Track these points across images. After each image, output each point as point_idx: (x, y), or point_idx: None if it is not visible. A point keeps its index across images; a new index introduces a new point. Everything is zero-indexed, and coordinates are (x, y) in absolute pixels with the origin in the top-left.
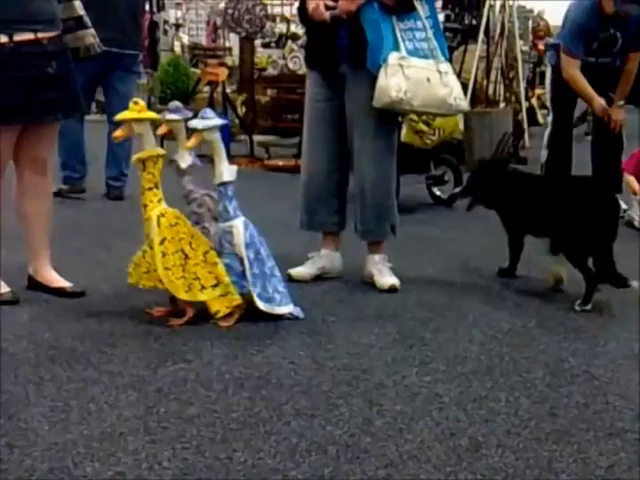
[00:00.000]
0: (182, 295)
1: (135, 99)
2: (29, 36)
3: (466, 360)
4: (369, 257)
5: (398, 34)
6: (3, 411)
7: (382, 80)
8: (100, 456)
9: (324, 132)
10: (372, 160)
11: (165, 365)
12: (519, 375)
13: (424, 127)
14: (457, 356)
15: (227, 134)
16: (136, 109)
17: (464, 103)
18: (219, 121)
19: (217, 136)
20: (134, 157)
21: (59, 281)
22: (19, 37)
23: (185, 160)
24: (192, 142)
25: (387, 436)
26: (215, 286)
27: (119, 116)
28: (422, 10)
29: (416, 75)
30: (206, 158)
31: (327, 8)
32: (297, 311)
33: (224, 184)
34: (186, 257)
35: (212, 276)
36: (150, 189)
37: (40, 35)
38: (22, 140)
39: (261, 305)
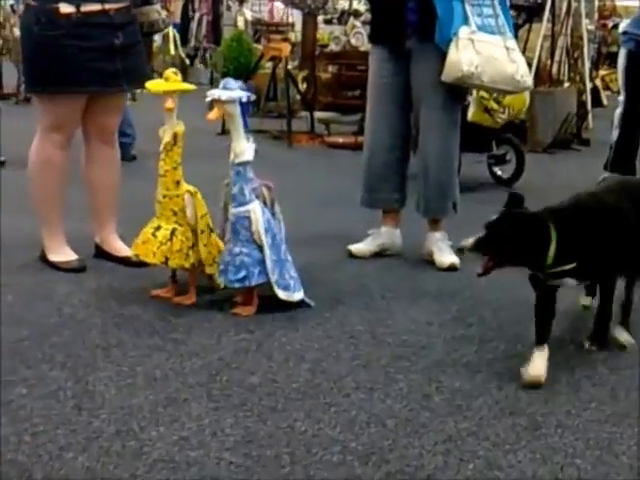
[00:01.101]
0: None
1: (173, 69)
2: (96, 7)
3: (526, 339)
4: (429, 234)
5: (468, 9)
6: (72, 374)
7: (453, 54)
8: (165, 421)
9: (387, 108)
10: (438, 136)
11: (228, 335)
12: (580, 357)
13: (495, 105)
14: (517, 335)
15: (246, 109)
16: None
17: (530, 80)
18: (241, 93)
19: (238, 109)
20: (170, 130)
21: (125, 250)
22: (86, 8)
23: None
24: (214, 114)
25: (446, 412)
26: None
27: (154, 86)
28: None
29: (486, 50)
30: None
31: None
32: (306, 298)
33: (243, 164)
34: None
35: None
36: (180, 164)
37: (107, 6)
38: (89, 110)
39: (280, 294)
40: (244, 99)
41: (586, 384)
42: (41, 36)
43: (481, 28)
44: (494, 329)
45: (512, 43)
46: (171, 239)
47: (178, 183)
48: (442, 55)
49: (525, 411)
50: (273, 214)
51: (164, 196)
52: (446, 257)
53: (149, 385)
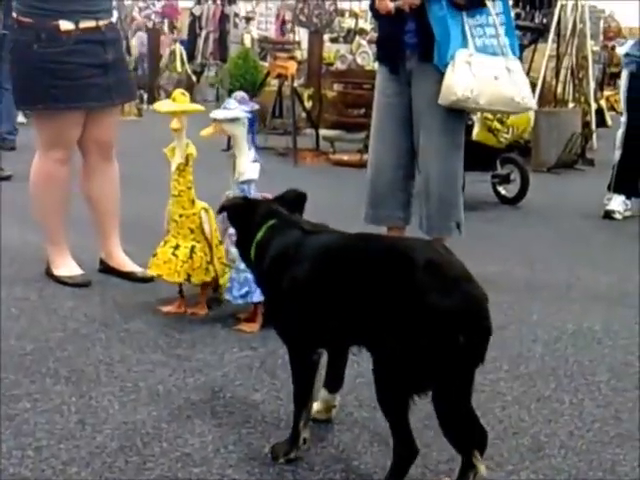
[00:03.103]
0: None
1: (181, 90)
2: (92, 23)
3: (529, 360)
4: None
5: (467, 30)
6: (76, 389)
7: (448, 78)
8: (168, 437)
9: (391, 126)
10: (438, 157)
11: (232, 351)
12: (584, 377)
13: (498, 125)
14: (520, 355)
15: (252, 126)
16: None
17: (531, 101)
18: (240, 113)
19: (240, 129)
20: (181, 151)
21: (130, 265)
22: (84, 24)
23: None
24: (207, 131)
25: None
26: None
27: (162, 107)
28: (493, 7)
29: (483, 73)
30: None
31: (392, 0)
32: None
33: (247, 182)
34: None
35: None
36: (192, 183)
37: (100, 22)
38: (86, 126)
39: None
40: (239, 116)
41: (590, 405)
42: (41, 54)
43: (481, 49)
44: (497, 348)
45: (514, 64)
46: (191, 257)
47: (193, 202)
48: (441, 76)
49: (528, 431)
50: None
51: (180, 215)
52: None
53: (152, 401)
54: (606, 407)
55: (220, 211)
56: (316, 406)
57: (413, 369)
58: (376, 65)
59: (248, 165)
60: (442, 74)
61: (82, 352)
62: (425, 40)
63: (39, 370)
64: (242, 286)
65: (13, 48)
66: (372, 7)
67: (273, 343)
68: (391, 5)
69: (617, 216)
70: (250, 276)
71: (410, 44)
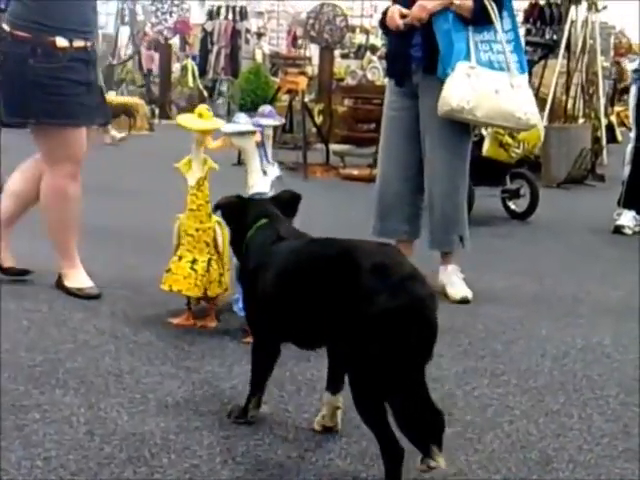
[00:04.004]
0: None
1: (205, 105)
2: (82, 43)
3: (538, 374)
4: (441, 268)
5: (472, 45)
6: (85, 400)
7: (446, 88)
8: (176, 448)
9: (398, 140)
10: (442, 170)
11: (240, 363)
12: (592, 392)
13: (510, 140)
14: (529, 370)
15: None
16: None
17: (536, 118)
18: (249, 127)
19: (250, 143)
20: (202, 165)
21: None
22: (77, 43)
23: (272, 171)
24: (214, 144)
25: (457, 445)
26: None
27: (189, 123)
28: (499, 24)
29: (484, 86)
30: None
31: (402, 17)
32: None
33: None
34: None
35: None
36: (209, 197)
37: (88, 43)
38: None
39: None
40: (243, 129)
41: (598, 420)
42: (37, 68)
43: (486, 64)
44: (505, 362)
45: (520, 81)
46: (208, 270)
47: (210, 216)
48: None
49: (537, 445)
50: None
51: (197, 229)
52: (458, 290)
53: (161, 412)
54: (615, 422)
55: (215, 209)
56: (322, 411)
57: (369, 372)
58: (386, 80)
59: (258, 179)
60: None
61: (91, 363)
62: (430, 53)
63: (48, 381)
64: None
65: (3, 61)
66: (382, 24)
67: (281, 356)
68: (400, 22)
69: (627, 231)
70: None
71: (416, 57)
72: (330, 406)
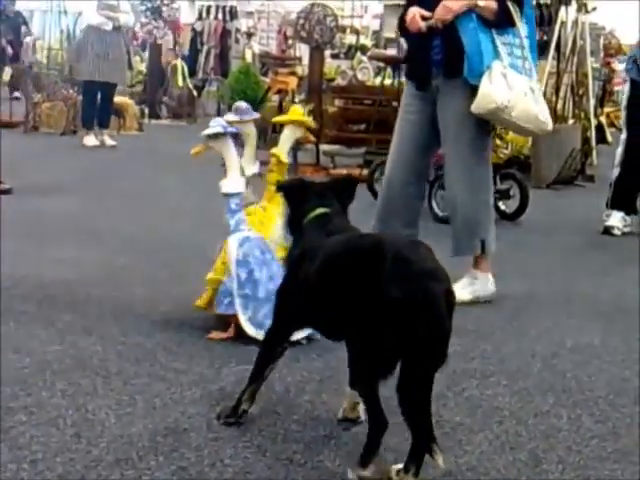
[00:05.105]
0: None
1: (298, 106)
2: None
3: (528, 375)
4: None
5: (499, 45)
6: (72, 402)
7: (486, 86)
8: (164, 450)
9: (407, 144)
10: (464, 172)
11: (229, 365)
12: (582, 393)
13: (498, 141)
14: (519, 371)
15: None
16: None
17: (550, 123)
18: (219, 129)
19: (224, 144)
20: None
21: None
22: None
23: (249, 168)
24: (196, 149)
25: (446, 446)
26: None
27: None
28: (522, 28)
29: (516, 87)
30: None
31: (423, 19)
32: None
33: (228, 195)
34: None
35: None
36: None
37: None
38: None
39: (250, 330)
40: (218, 130)
41: (588, 420)
42: None
43: (511, 66)
44: (495, 364)
45: (536, 86)
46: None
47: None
48: (470, 89)
49: (526, 446)
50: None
51: None
52: (458, 294)
53: (149, 414)
54: (604, 422)
55: (278, 190)
56: (344, 404)
57: (375, 355)
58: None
59: (233, 179)
60: (471, 87)
61: (79, 365)
62: (451, 56)
63: (36, 383)
64: (225, 296)
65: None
66: (401, 26)
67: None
68: (422, 24)
69: (616, 232)
70: (222, 288)
71: (436, 60)
72: (350, 400)
